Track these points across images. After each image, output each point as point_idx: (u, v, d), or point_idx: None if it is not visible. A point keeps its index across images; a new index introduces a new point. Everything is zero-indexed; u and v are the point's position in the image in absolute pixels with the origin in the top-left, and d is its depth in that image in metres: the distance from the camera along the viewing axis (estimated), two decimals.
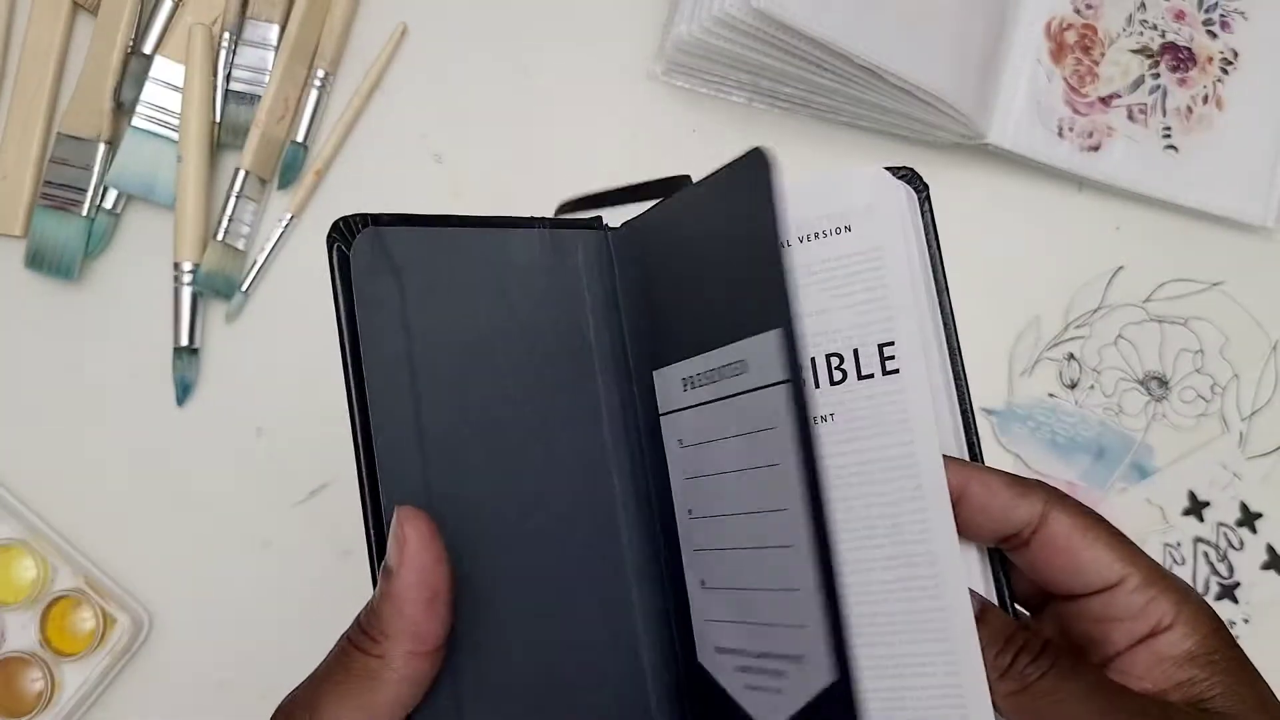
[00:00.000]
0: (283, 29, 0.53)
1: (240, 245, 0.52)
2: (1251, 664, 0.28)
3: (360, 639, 0.28)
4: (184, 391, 0.52)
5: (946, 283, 0.30)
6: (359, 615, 0.29)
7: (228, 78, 0.52)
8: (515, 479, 0.29)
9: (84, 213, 0.52)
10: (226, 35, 0.52)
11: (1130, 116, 0.56)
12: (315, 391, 0.53)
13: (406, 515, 0.27)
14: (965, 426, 0.30)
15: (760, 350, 0.26)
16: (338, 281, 0.27)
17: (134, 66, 0.52)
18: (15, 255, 0.52)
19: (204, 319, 0.53)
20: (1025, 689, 0.27)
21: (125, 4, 0.52)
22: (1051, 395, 0.56)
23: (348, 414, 0.28)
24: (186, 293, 0.51)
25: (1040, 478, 0.30)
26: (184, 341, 0.52)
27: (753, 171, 0.25)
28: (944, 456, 0.29)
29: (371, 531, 0.28)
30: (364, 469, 0.28)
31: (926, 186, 0.30)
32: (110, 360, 0.53)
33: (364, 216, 0.27)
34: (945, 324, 0.30)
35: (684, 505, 0.30)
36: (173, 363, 0.52)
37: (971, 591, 0.28)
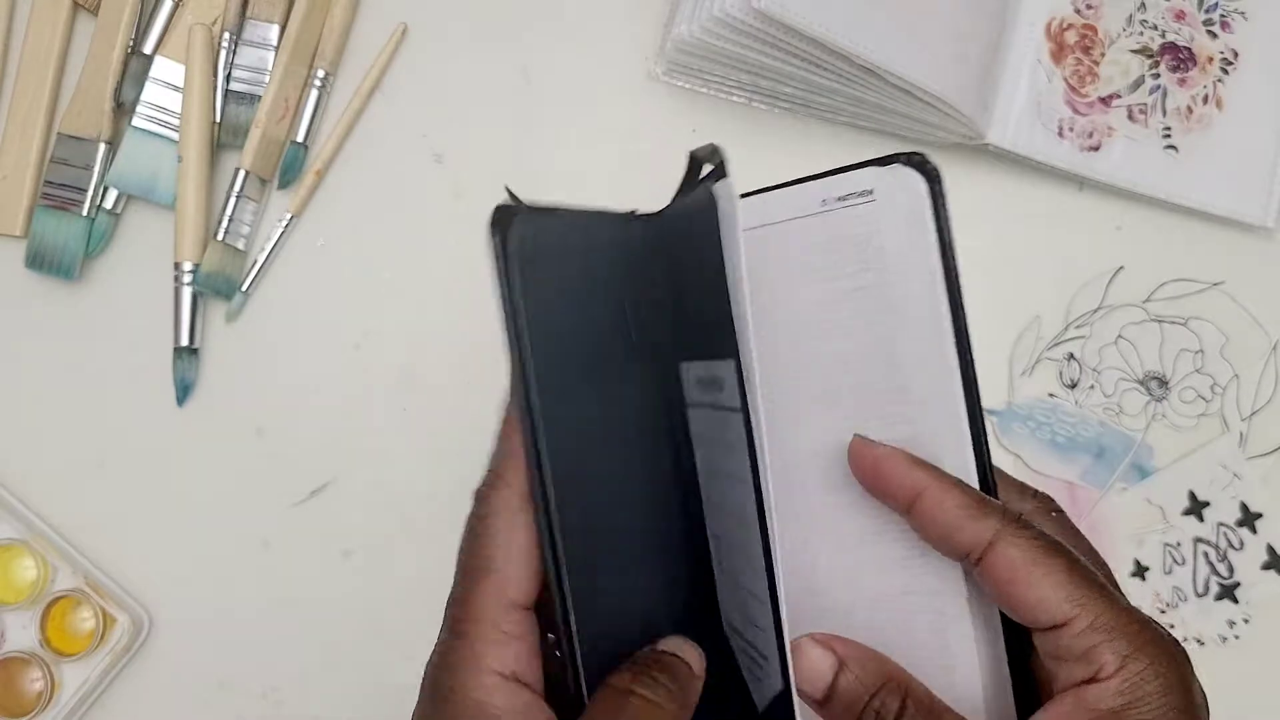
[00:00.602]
0: (283, 29, 0.53)
1: (240, 245, 0.52)
2: None
3: (487, 479, 0.29)
4: (184, 391, 0.52)
5: (958, 277, 0.29)
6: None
7: (228, 78, 0.53)
8: (603, 466, 0.30)
9: (84, 213, 0.52)
10: (227, 35, 0.52)
11: (1130, 116, 0.56)
12: (315, 391, 0.53)
13: (690, 647, 0.29)
14: (972, 419, 0.29)
15: (727, 374, 0.27)
16: (500, 265, 0.28)
17: (134, 66, 0.52)
18: (15, 255, 0.52)
19: (204, 319, 0.53)
20: None
21: (125, 4, 0.52)
22: (1051, 395, 0.56)
23: (516, 397, 0.28)
24: (186, 293, 0.51)
25: (1040, 478, 0.30)
26: (184, 341, 0.52)
27: (703, 203, 0.27)
28: (908, 459, 0.28)
29: (541, 500, 0.28)
30: (534, 452, 0.28)
31: (938, 176, 0.29)
32: (110, 360, 0.53)
33: (517, 204, 0.28)
34: (955, 319, 0.29)
35: (705, 494, 0.31)
36: (173, 363, 0.52)
37: (811, 670, 0.28)
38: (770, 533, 0.26)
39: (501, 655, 0.27)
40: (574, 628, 0.28)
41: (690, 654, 0.29)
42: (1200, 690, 0.27)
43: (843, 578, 0.31)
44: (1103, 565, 0.30)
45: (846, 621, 0.30)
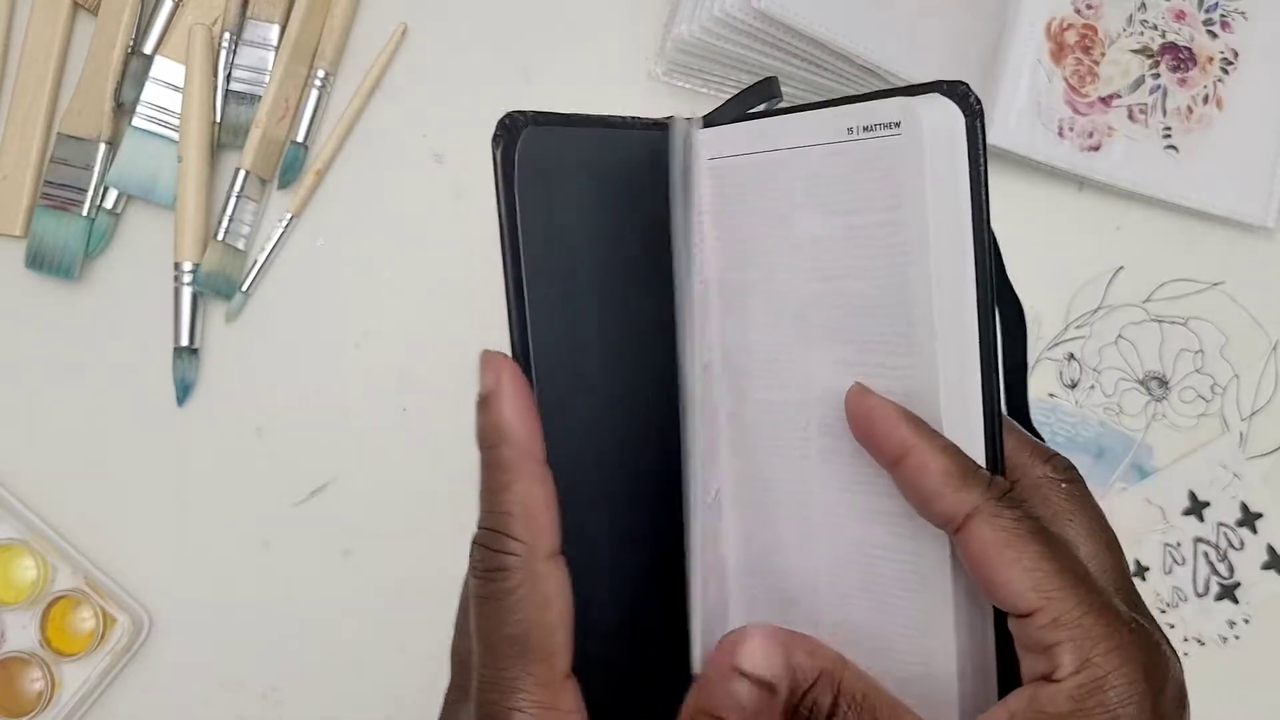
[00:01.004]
0: (283, 29, 0.53)
1: (240, 245, 0.52)
2: None
3: (491, 539, 0.26)
4: (184, 391, 0.52)
5: (987, 224, 0.27)
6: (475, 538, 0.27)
7: (228, 78, 0.53)
8: (601, 421, 0.30)
9: (84, 213, 0.52)
10: (227, 35, 0.52)
11: (1130, 116, 0.56)
12: (315, 391, 0.53)
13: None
14: (985, 379, 0.28)
15: None
16: (500, 179, 0.27)
17: (134, 66, 0.52)
18: (15, 255, 0.52)
19: (204, 319, 0.53)
20: None
21: (125, 4, 0.52)
22: (1051, 395, 0.56)
23: (508, 320, 0.27)
24: (186, 293, 0.51)
25: None
26: (184, 341, 0.52)
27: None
28: (900, 414, 0.27)
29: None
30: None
31: (979, 111, 0.27)
32: (110, 360, 0.53)
33: (525, 114, 0.27)
34: (980, 270, 0.27)
35: None
36: (173, 363, 0.52)
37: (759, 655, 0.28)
38: (691, 470, 0.26)
39: None
40: None
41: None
42: (1176, 703, 0.25)
43: (830, 521, 0.30)
44: (1114, 548, 0.28)
45: (826, 565, 0.30)
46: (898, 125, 0.27)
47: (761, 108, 0.31)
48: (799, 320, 0.30)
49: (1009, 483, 0.27)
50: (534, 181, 0.28)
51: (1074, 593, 0.25)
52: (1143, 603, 0.28)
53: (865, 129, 0.28)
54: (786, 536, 0.31)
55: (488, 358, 0.27)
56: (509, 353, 0.27)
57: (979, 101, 0.27)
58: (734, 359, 0.32)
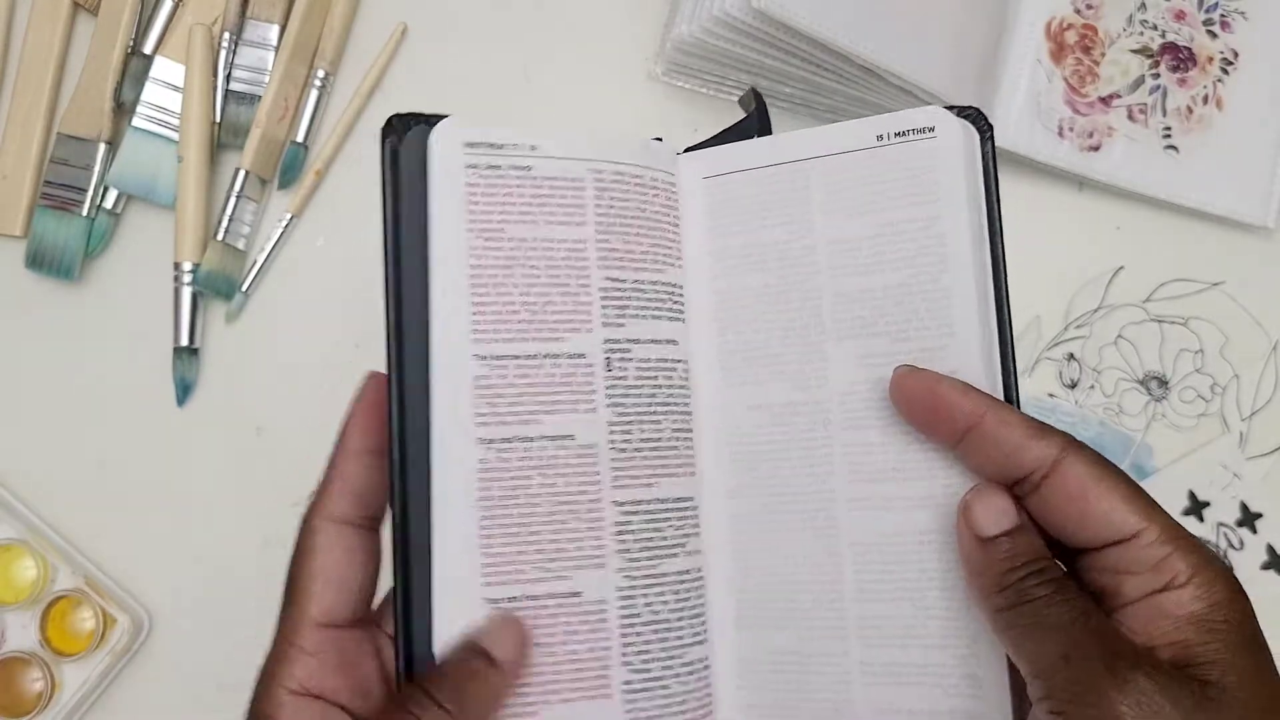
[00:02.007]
0: (283, 29, 0.53)
1: (240, 245, 0.52)
2: (1262, 643, 0.27)
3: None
4: (184, 391, 0.52)
5: (1002, 229, 0.30)
6: None
7: (228, 78, 0.53)
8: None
9: (84, 213, 0.52)
10: (226, 35, 0.52)
11: (1130, 116, 0.56)
12: (315, 391, 0.53)
13: (507, 629, 0.29)
14: (1004, 360, 0.30)
15: None
16: (387, 175, 0.29)
17: (134, 66, 0.52)
18: (15, 255, 0.52)
19: (204, 319, 0.53)
20: (1015, 606, 0.27)
21: (125, 4, 0.52)
22: (1051, 395, 0.56)
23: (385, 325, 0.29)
24: (186, 293, 0.51)
25: None
26: (184, 341, 0.52)
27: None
28: (964, 385, 0.29)
29: (394, 419, 0.29)
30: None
31: (990, 132, 0.31)
32: (110, 360, 0.53)
33: (417, 115, 0.29)
34: (995, 265, 0.30)
35: None
36: (173, 363, 0.52)
37: (1005, 509, 0.28)
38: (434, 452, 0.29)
39: (292, 672, 0.29)
40: (411, 578, 0.29)
41: (501, 639, 0.29)
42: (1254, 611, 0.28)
43: (855, 518, 0.31)
44: None
45: (851, 563, 0.31)
46: (932, 130, 0.30)
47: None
48: (815, 318, 0.31)
49: None
50: (418, 182, 0.29)
51: (1163, 512, 0.28)
52: None
53: (897, 134, 0.31)
54: (800, 546, 0.31)
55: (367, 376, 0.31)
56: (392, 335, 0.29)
57: (990, 126, 0.31)
58: (732, 368, 0.32)
